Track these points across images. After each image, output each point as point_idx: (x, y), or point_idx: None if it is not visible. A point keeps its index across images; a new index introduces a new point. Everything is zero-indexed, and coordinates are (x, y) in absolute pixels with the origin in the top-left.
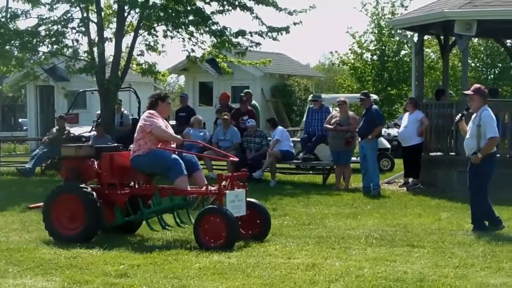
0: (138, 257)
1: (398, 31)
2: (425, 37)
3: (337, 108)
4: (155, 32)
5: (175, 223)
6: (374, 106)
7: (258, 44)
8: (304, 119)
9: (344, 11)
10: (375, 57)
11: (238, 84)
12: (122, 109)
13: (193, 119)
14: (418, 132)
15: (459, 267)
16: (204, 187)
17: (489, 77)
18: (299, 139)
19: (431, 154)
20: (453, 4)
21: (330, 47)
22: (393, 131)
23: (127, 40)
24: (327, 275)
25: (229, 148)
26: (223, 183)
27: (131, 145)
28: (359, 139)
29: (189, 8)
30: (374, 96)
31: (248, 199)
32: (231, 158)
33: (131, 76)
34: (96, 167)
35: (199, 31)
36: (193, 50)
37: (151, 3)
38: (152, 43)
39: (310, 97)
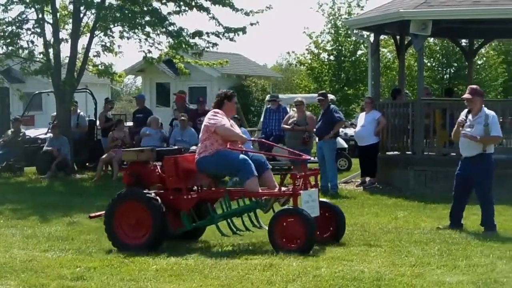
0: (94, 260)
1: (355, 31)
2: (381, 37)
3: (295, 108)
4: (111, 33)
5: (244, 227)
6: (332, 106)
7: (215, 44)
8: (261, 119)
9: (301, 12)
10: (332, 57)
11: (195, 85)
12: (78, 111)
13: (150, 119)
14: (375, 132)
15: (415, 265)
16: (277, 187)
17: (445, 77)
18: (256, 139)
19: (387, 153)
20: (409, 4)
21: (287, 47)
22: (350, 131)
23: (83, 41)
24: (284, 275)
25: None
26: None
27: (195, 147)
28: (316, 139)
29: (145, 8)
30: (331, 96)
31: (320, 199)
32: (303, 157)
33: (87, 77)
34: (160, 171)
35: (156, 32)
36: (149, 51)
37: (107, 4)
38: (108, 44)
39: (267, 97)
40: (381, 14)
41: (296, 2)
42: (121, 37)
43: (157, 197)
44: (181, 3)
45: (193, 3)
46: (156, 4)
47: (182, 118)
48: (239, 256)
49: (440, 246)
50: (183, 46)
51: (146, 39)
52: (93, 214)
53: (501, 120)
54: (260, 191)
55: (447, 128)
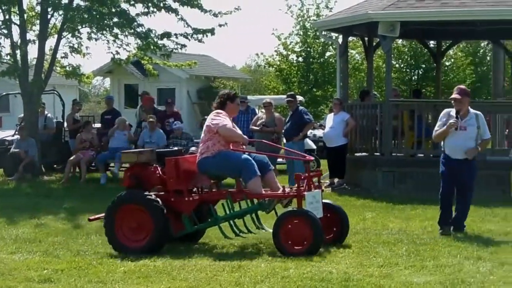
0: (61, 262)
1: (323, 32)
2: (350, 39)
3: (263, 110)
4: (79, 34)
5: (246, 229)
6: (302, 107)
7: (183, 46)
8: None
9: (269, 13)
10: (300, 59)
11: (163, 86)
12: (46, 112)
13: (118, 120)
14: (344, 133)
15: (383, 266)
16: (280, 189)
17: (413, 78)
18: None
19: (356, 154)
20: (377, 6)
21: (256, 49)
22: (319, 132)
23: (50, 43)
24: (252, 276)
25: None
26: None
27: (194, 148)
28: (285, 140)
29: (113, 10)
30: (300, 98)
31: (323, 200)
32: (306, 158)
33: (55, 78)
34: (160, 173)
35: (124, 33)
36: (118, 52)
37: (75, 5)
38: (76, 45)
39: None
40: (349, 15)
41: (265, 3)
42: (89, 38)
43: (158, 199)
44: (150, 4)
45: (162, 4)
46: (124, 6)
47: (151, 119)
48: (207, 258)
49: (408, 246)
50: (152, 47)
51: (114, 41)
52: (92, 217)
53: None
54: (263, 192)
55: (415, 129)
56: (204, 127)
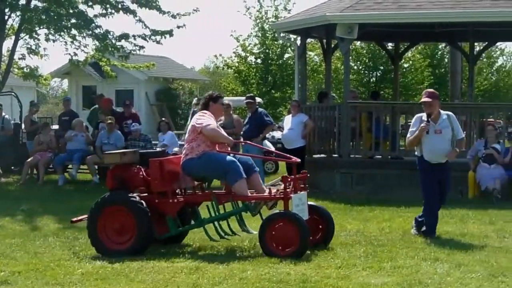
0: (19, 264)
1: (282, 34)
2: (308, 40)
3: None
4: (37, 36)
5: (231, 231)
6: (261, 109)
7: (141, 47)
8: (188, 122)
9: (228, 15)
10: (259, 60)
11: (122, 87)
12: (3, 114)
13: (74, 122)
14: (303, 135)
15: (341, 267)
16: (267, 190)
17: (371, 80)
18: (183, 143)
19: (314, 156)
20: (335, 8)
21: (215, 50)
22: (277, 134)
23: (8, 44)
24: (210, 278)
25: None
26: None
27: (177, 148)
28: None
29: (71, 11)
30: (258, 99)
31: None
32: (293, 159)
33: (13, 80)
34: (144, 174)
35: (82, 35)
36: (75, 54)
37: (32, 6)
38: (34, 47)
39: (194, 101)
40: (307, 17)
41: (224, 5)
42: (47, 39)
43: (142, 201)
44: (108, 5)
45: (120, 6)
46: (82, 7)
47: (109, 121)
48: (165, 260)
49: (365, 248)
50: (109, 49)
51: (72, 42)
52: (75, 218)
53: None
54: (249, 194)
55: (373, 131)
56: (189, 127)
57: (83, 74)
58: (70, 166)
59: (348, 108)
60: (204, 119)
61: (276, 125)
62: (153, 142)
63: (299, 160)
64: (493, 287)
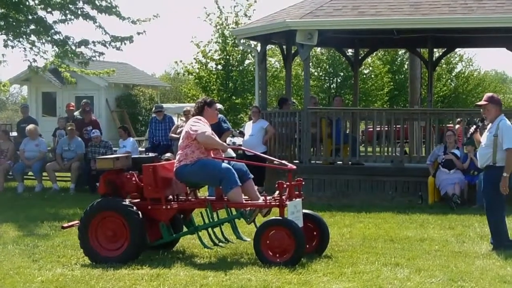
0: None
1: (242, 40)
2: (269, 47)
3: (183, 118)
4: None
5: (224, 238)
6: (220, 115)
7: (101, 54)
8: (148, 129)
9: (188, 21)
10: (219, 67)
11: (82, 94)
12: None
13: (27, 130)
14: (263, 141)
15: (302, 273)
16: (260, 198)
17: (332, 86)
18: (144, 149)
19: (275, 162)
20: (295, 14)
21: (175, 56)
22: (239, 140)
23: None
24: (171, 285)
25: (73, 159)
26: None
27: (169, 154)
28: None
29: (30, 17)
30: (219, 105)
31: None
32: (288, 166)
33: None
34: (137, 180)
35: (41, 41)
36: (35, 60)
37: None
38: None
39: (154, 109)
40: (267, 24)
41: (184, 11)
42: (5, 45)
43: (135, 207)
44: (67, 11)
45: (79, 12)
46: (41, 13)
47: (70, 127)
48: (126, 266)
49: (326, 253)
50: (69, 55)
51: (31, 48)
52: (66, 225)
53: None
54: (244, 201)
55: (333, 137)
56: (183, 133)
57: (42, 80)
58: (30, 173)
59: (308, 114)
60: (199, 125)
61: (237, 130)
62: (113, 148)
63: (294, 167)
64: None
